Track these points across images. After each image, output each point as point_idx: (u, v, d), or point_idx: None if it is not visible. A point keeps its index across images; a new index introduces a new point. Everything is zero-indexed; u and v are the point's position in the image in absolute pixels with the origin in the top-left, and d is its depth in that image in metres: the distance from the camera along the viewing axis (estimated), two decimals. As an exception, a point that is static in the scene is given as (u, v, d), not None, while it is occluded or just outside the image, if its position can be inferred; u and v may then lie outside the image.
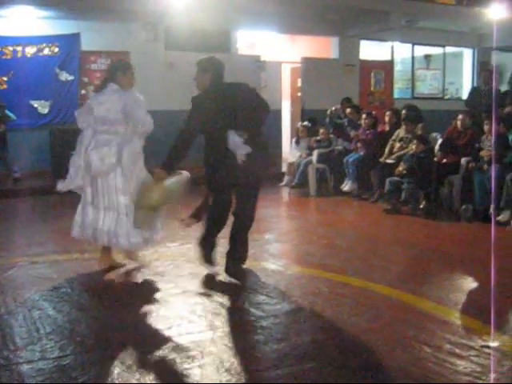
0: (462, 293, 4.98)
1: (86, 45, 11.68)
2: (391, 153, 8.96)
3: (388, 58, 15.43)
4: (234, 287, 4.82)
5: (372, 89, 15.01)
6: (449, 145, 8.43)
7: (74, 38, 11.61)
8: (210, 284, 4.96)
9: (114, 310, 4.39)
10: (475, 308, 4.40)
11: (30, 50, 11.40)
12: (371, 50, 15.21)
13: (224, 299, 4.53)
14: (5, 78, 11.20)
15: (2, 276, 5.28)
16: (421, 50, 16.00)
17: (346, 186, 9.74)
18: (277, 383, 3.20)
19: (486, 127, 8.01)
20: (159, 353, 3.56)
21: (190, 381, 3.23)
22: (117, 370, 3.33)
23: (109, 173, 5.12)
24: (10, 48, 11.26)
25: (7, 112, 10.62)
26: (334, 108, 10.94)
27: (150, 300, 4.57)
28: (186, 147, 5.03)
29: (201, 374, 3.28)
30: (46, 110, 11.58)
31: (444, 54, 16.25)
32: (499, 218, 7.37)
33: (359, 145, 9.76)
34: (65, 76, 11.66)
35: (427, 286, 4.97)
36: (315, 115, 11.99)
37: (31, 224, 7.81)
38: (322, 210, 9.21)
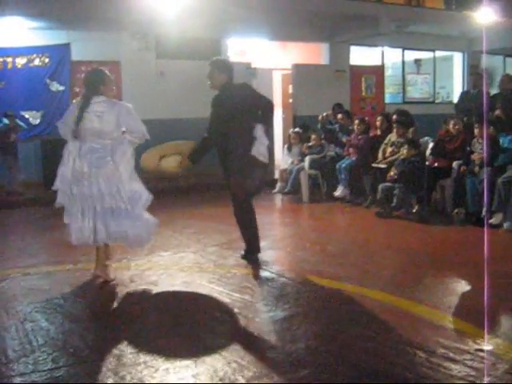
0: (455, 296, 4.98)
1: (77, 55, 11.67)
2: (384, 157, 8.98)
3: (378, 63, 15.48)
4: (226, 296, 4.81)
5: (363, 94, 15.05)
6: (440, 149, 8.46)
7: (65, 48, 11.60)
8: (203, 293, 4.93)
9: (107, 321, 4.37)
10: (469, 312, 4.40)
11: (21, 61, 11.39)
12: (362, 56, 15.25)
13: (216, 308, 4.52)
14: (-4, 87, 11.20)
15: (-6, 288, 5.26)
16: (411, 55, 16.07)
17: (339, 192, 9.76)
18: (271, 391, 3.20)
19: (476, 130, 8.04)
20: (153, 363, 3.54)
21: (184, 390, 3.22)
22: (110, 380, 3.31)
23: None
24: (0, 59, 11.24)
25: (18, 121, 10.61)
26: (325, 114, 10.95)
27: (142, 309, 4.55)
28: (208, 148, 5.89)
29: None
30: (37, 121, 11.57)
31: (434, 59, 16.33)
32: (491, 220, 7.39)
33: (351, 150, 9.78)
34: (55, 86, 11.65)
35: (421, 291, 4.98)
36: (307, 121, 12.01)
37: (23, 235, 7.77)
38: (314, 216, 9.21)
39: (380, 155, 9.09)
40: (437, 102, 16.39)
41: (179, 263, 5.93)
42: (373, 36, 13.65)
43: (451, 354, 3.55)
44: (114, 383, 3.27)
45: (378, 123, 9.73)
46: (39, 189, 10.46)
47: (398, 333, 3.96)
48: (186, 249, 6.57)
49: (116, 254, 6.00)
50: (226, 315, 4.36)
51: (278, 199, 10.54)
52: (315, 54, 14.84)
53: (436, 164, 8.26)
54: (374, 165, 9.04)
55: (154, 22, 11.33)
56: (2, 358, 3.64)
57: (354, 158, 9.63)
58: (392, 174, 8.32)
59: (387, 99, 15.55)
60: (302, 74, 14.01)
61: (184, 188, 10.67)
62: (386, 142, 9.12)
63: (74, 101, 5.59)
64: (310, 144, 10.61)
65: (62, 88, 11.64)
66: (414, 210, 8.18)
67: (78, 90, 11.76)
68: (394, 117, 9.43)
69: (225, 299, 4.71)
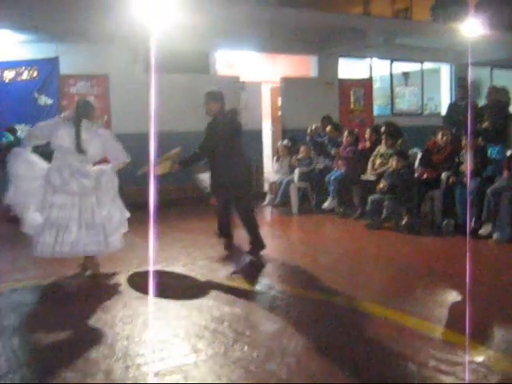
0: (446, 308, 4.98)
1: (65, 68, 11.62)
2: (373, 169, 8.99)
3: (367, 75, 15.55)
4: (217, 309, 4.77)
5: (352, 106, 15.08)
6: (428, 160, 8.48)
7: (53, 61, 11.55)
8: (193, 307, 4.90)
9: (96, 335, 4.31)
10: (460, 323, 4.37)
11: (9, 75, 11.33)
12: (350, 68, 15.31)
13: (207, 322, 4.48)
14: (-16, 103, 11.13)
15: (-19, 304, 5.19)
16: (399, 67, 16.14)
17: (327, 203, 9.75)
18: (261, 406, 3.16)
19: (464, 142, 8.08)
20: (143, 378, 3.50)
21: (174, 406, 3.18)
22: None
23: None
24: (-12, 73, 11.20)
25: (19, 135, 10.54)
26: (314, 126, 10.97)
27: (133, 324, 4.50)
28: (199, 159, 6.83)
29: (184, 399, 3.24)
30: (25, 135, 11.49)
31: (422, 71, 16.41)
32: (481, 231, 7.41)
33: (340, 162, 9.79)
34: (44, 100, 11.59)
35: (411, 302, 4.97)
36: (296, 134, 12.02)
37: (11, 250, 7.69)
38: (304, 229, 9.20)
39: (369, 167, 9.10)
40: (425, 113, 16.45)
41: (168, 277, 5.88)
42: (361, 48, 13.70)
43: (443, 366, 3.54)
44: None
45: (366, 135, 9.76)
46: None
47: (388, 345, 3.94)
48: (175, 262, 6.52)
49: (106, 267, 5.96)
50: (216, 329, 4.32)
51: (268, 212, 10.53)
52: (304, 66, 14.87)
53: (425, 175, 8.27)
54: (362, 177, 9.05)
55: (143, 36, 11.33)
56: (-11, 375, 3.59)
57: (342, 171, 9.64)
58: (381, 185, 8.33)
59: (376, 111, 15.58)
60: (290, 87, 14.03)
61: (167, 201, 10.62)
62: (375, 153, 9.14)
63: (62, 116, 5.80)
64: (299, 157, 10.62)
65: (50, 102, 11.58)
66: (404, 222, 8.18)
67: (65, 103, 11.75)
68: (383, 128, 9.47)
69: (215, 313, 4.68)
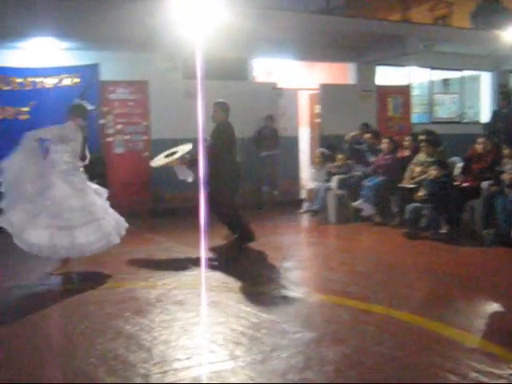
0: (486, 319, 4.89)
1: (106, 74, 11.81)
2: (411, 178, 8.90)
3: (405, 82, 15.42)
4: (254, 316, 4.77)
5: (390, 114, 14.98)
6: (469, 168, 8.36)
7: (94, 68, 11.74)
8: (230, 313, 4.90)
9: (134, 339, 4.34)
10: (502, 334, 4.30)
11: (51, 81, 11.54)
12: (388, 75, 15.21)
13: (244, 328, 4.47)
14: (25, 109, 11.33)
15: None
16: (438, 75, 15.98)
17: (358, 203, 9.68)
18: (300, 414, 3.15)
19: (505, 151, 7.95)
20: (181, 383, 3.51)
21: (212, 412, 3.18)
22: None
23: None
24: (30, 79, 11.40)
25: None
26: (352, 133, 10.91)
27: (170, 329, 4.53)
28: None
29: (222, 405, 3.24)
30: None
31: (462, 78, 16.22)
32: (522, 241, 7.28)
33: (379, 170, 9.70)
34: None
35: (451, 313, 4.89)
36: (334, 141, 12.00)
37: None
38: (341, 236, 9.14)
39: (407, 175, 9.01)
40: (464, 121, 16.24)
41: (206, 283, 5.90)
42: (400, 56, 13.60)
43: (484, 379, 3.47)
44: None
45: (406, 143, 9.67)
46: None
47: (428, 356, 3.88)
48: (213, 268, 6.55)
49: (143, 272, 6.02)
50: (254, 336, 4.32)
51: (305, 219, 10.49)
52: (341, 73, 14.84)
53: (465, 184, 8.16)
54: (400, 185, 8.96)
55: (181, 43, 11.44)
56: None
57: (381, 178, 9.55)
58: (421, 194, 8.23)
59: (414, 119, 15.45)
60: (329, 94, 14.01)
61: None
62: (414, 161, 9.04)
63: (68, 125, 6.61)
64: (337, 164, 10.57)
65: (90, 108, 11.73)
66: (443, 231, 8.07)
67: (106, 109, 11.92)
68: (422, 136, 9.36)
69: (252, 319, 4.68)
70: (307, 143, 14.74)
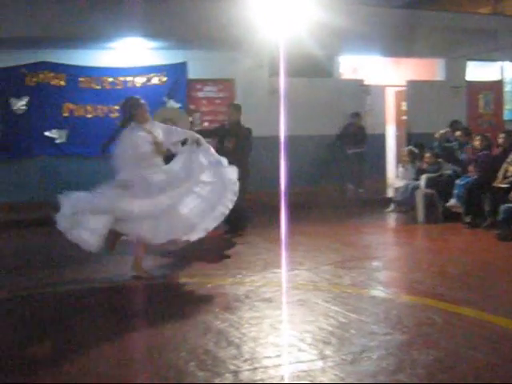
0: None
1: (193, 73, 12.00)
2: (505, 177, 8.57)
3: (497, 78, 14.89)
4: (343, 316, 4.72)
5: (481, 110, 14.51)
6: None
7: (182, 66, 11.96)
8: (319, 312, 4.87)
9: (223, 336, 4.38)
10: None
11: (140, 80, 11.84)
12: (478, 71, 14.72)
13: (334, 328, 4.43)
14: (115, 107, 11.68)
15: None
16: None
17: (451, 203, 9.42)
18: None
19: None
20: (271, 380, 3.52)
21: (303, 412, 3.17)
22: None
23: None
24: (121, 78, 11.74)
25: None
26: (442, 131, 10.63)
27: (259, 326, 4.55)
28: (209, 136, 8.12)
29: (313, 405, 3.22)
30: (157, 138, 11.95)
31: (559, 73, 15.50)
32: None
33: (471, 168, 9.38)
34: (171, 104, 12.00)
35: (549, 319, 4.68)
36: (421, 139, 11.73)
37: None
38: (430, 237, 8.92)
39: (500, 174, 8.68)
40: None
41: (293, 281, 5.90)
42: (491, 50, 13.14)
43: None
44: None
45: (500, 141, 9.32)
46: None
47: (525, 362, 3.73)
48: (299, 266, 6.53)
49: (231, 270, 6.08)
50: (343, 336, 4.27)
51: (392, 219, 10.31)
52: (429, 69, 14.48)
53: None
54: (494, 184, 8.64)
55: (267, 41, 11.48)
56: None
57: (475, 177, 9.22)
58: (515, 194, 7.92)
59: (506, 116, 14.90)
60: (416, 91, 13.71)
61: (296, 204, 10.66)
62: (508, 160, 8.70)
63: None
64: (426, 162, 10.32)
65: (178, 106, 11.98)
66: (539, 233, 7.75)
67: (193, 107, 12.11)
68: (517, 134, 9.03)
69: (341, 319, 4.63)
70: (393, 141, 14.49)
